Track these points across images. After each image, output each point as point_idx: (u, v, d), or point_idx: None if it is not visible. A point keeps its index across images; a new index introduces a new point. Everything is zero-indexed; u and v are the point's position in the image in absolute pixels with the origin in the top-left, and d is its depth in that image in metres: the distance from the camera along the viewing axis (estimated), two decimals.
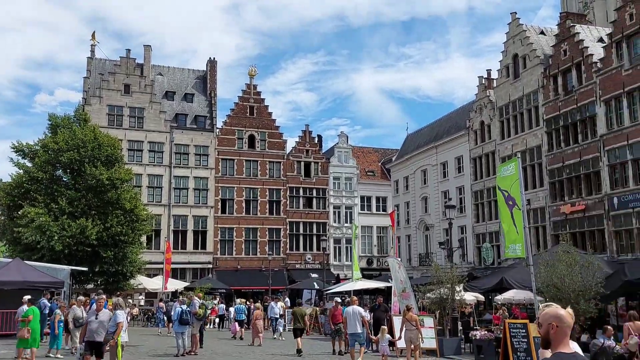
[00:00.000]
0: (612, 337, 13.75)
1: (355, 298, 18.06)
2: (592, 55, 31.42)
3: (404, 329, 16.25)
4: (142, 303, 41.31)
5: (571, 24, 33.66)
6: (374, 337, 18.80)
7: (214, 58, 53.94)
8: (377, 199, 55.84)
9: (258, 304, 27.23)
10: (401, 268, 23.30)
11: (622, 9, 29.43)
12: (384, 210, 54.18)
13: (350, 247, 46.41)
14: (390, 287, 23.97)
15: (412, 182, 50.86)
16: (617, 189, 29.26)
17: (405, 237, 51.69)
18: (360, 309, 16.96)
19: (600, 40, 33.10)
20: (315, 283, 39.23)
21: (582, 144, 31.76)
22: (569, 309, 3.84)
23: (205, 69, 54.80)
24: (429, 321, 18.74)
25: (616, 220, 29.21)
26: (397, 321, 19.60)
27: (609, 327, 14.48)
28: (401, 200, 52.69)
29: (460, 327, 22.97)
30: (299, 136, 54.28)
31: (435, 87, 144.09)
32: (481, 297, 25.15)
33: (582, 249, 29.13)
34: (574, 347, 3.97)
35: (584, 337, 16.17)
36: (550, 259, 15.77)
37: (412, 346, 15.68)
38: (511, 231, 17.42)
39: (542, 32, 38.12)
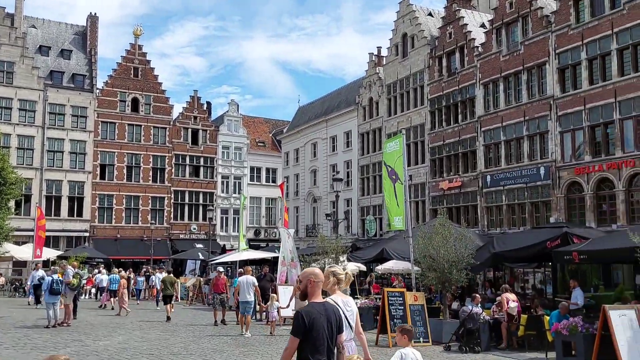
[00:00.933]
0: (479, 305, 14.74)
1: (249, 268, 18.43)
2: (474, 39, 33.05)
3: (294, 298, 17.08)
4: (10, 273, 38.51)
5: (457, 8, 35.13)
6: (263, 305, 18.96)
7: (95, 14, 50.61)
8: (267, 170, 55.74)
9: (123, 273, 26.67)
10: (290, 238, 23.50)
11: None
12: (274, 181, 54.24)
13: (238, 218, 46.09)
14: (277, 257, 24.10)
15: (302, 154, 51.25)
16: (490, 167, 31.29)
17: (293, 209, 52.15)
18: (253, 279, 17.38)
19: (483, 25, 34.88)
20: (199, 253, 38.58)
21: (461, 124, 33.52)
22: (333, 268, 5.43)
23: (85, 24, 51.21)
24: None
25: (488, 197, 31.29)
26: (282, 290, 19.84)
27: (477, 295, 15.51)
28: (291, 172, 52.99)
29: None
30: (186, 102, 52.50)
31: (327, 61, 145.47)
32: (363, 267, 25.98)
33: (457, 222, 30.91)
34: (336, 298, 5.31)
35: (455, 305, 17.23)
36: (428, 231, 16.52)
37: None
38: (393, 205, 18.09)
39: (430, 14, 39.48)
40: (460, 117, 33.80)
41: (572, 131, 26.81)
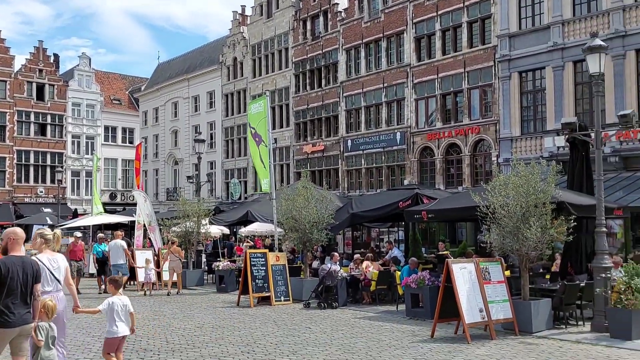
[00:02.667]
0: (337, 263, 15.32)
1: (119, 232, 19.21)
2: (337, 4, 33.50)
3: (169, 259, 18.15)
4: None
5: None
6: (137, 266, 18.58)
7: None
8: (124, 129, 52.90)
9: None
10: (147, 202, 22.63)
11: None
12: (131, 142, 51.61)
13: (91, 181, 43.42)
14: (134, 221, 23.14)
15: (162, 114, 49.21)
16: (351, 132, 32.32)
17: (153, 171, 50.24)
18: (123, 242, 17.80)
19: None
20: (47, 218, 35.84)
21: (325, 88, 34.11)
22: (41, 230, 6.53)
23: None
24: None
25: (349, 161, 32.40)
26: (139, 254, 19.21)
27: (335, 254, 16.09)
28: (150, 132, 50.76)
29: (204, 260, 23.42)
30: (30, 53, 47.69)
31: (188, 17, 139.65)
32: (226, 230, 25.83)
33: (320, 185, 31.75)
34: (42, 256, 6.31)
35: (315, 264, 17.75)
36: (291, 193, 16.74)
37: (175, 275, 18.12)
38: (260, 167, 18.07)
39: None
40: (323, 81, 34.36)
41: (425, 99, 28.40)
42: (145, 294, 17.46)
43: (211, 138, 43.19)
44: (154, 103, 50.18)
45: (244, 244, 24.87)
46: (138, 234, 21.48)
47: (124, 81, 57.15)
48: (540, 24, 23.46)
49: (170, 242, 18.70)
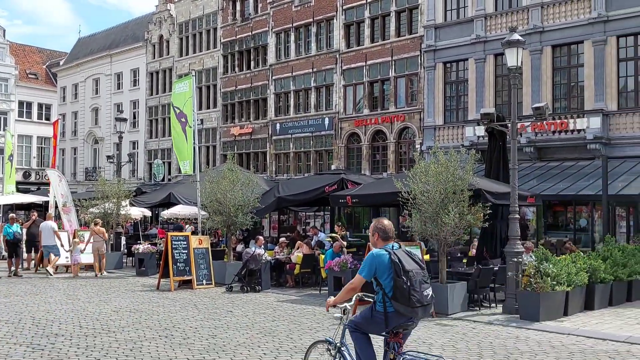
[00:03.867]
0: (262, 246, 15.28)
1: (50, 213, 19.41)
2: None
3: (92, 240, 17.66)
4: None
5: None
6: (65, 250, 17.95)
7: None
8: (40, 105, 50.29)
9: None
10: (62, 181, 21.67)
11: None
12: (48, 118, 49.12)
13: (3, 158, 41.03)
14: (48, 201, 22.12)
15: (82, 90, 47.05)
16: (280, 116, 32.17)
17: (71, 150, 48.08)
18: (54, 224, 18.13)
19: None
20: None
21: (254, 70, 33.70)
22: None
23: None
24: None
25: (277, 144, 32.27)
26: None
27: (260, 237, 16.04)
28: (68, 109, 48.47)
29: (124, 242, 22.74)
30: None
31: None
32: (148, 212, 25.16)
33: (247, 168, 31.48)
34: None
35: (239, 247, 17.63)
36: (216, 176, 16.49)
37: (99, 254, 17.78)
38: (183, 148, 17.64)
39: None
40: (252, 63, 33.93)
41: (354, 85, 28.65)
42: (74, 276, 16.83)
43: (134, 117, 41.81)
44: (74, 79, 47.88)
45: (189, 226, 23.74)
46: (52, 214, 20.53)
47: (41, 55, 54.17)
48: (465, 16, 24.15)
49: (93, 222, 18.26)
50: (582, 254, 12.23)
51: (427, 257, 13.94)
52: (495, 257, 13.53)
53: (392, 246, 4.86)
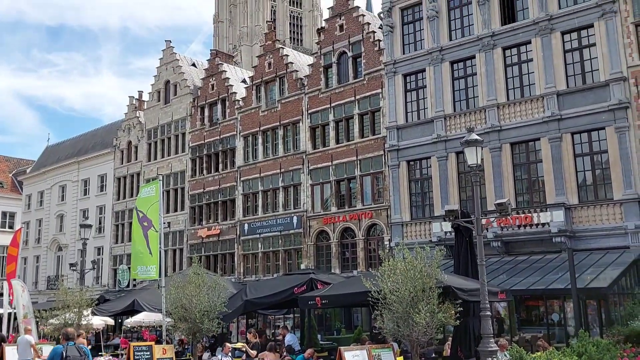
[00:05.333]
0: (229, 354, 14.64)
1: (29, 327, 17.72)
2: (235, 93, 34.17)
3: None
4: None
5: (220, 62, 36.10)
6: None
7: None
8: (4, 214, 49.33)
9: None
10: (25, 292, 20.83)
11: (263, 57, 33.00)
12: (11, 227, 48.00)
13: None
14: (9, 312, 21.10)
15: (47, 197, 46.46)
16: (248, 216, 32.10)
17: (33, 258, 46.64)
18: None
19: (244, 81, 36.31)
20: None
21: (222, 172, 33.98)
22: None
23: None
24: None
25: (245, 245, 31.93)
26: (9, 350, 17.31)
27: (227, 344, 15.42)
28: (33, 217, 47.57)
29: None
30: None
31: (82, 100, 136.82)
32: (111, 321, 24.14)
33: (215, 271, 30.86)
34: None
35: (206, 356, 16.86)
36: (181, 280, 16.08)
37: None
38: (144, 253, 17.22)
39: (193, 64, 39.90)
40: (221, 166, 34.26)
41: (321, 184, 29.01)
42: None
43: (100, 222, 41.19)
44: (40, 186, 47.43)
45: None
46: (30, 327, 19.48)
47: (7, 163, 53.94)
48: (425, 117, 25.08)
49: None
50: (556, 351, 12.01)
51: (400, 358, 13.50)
52: (470, 357, 13.18)
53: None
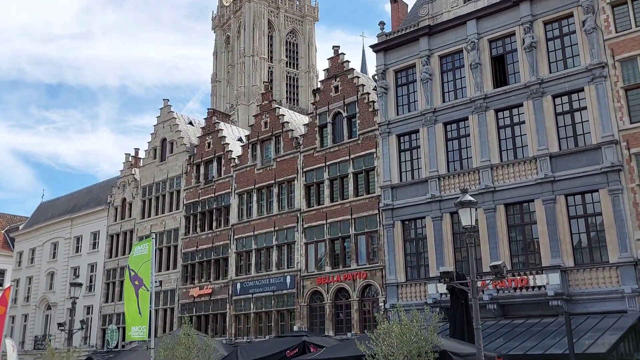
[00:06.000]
0: None
1: None
2: (231, 151, 34.42)
3: None
4: None
5: (217, 121, 36.55)
6: None
7: None
8: None
9: None
10: (15, 351, 20.33)
11: (259, 116, 33.44)
12: (1, 284, 47.18)
13: None
14: None
15: (39, 255, 45.90)
16: (241, 275, 31.67)
17: (21, 317, 45.61)
18: None
19: (240, 139, 36.66)
20: None
21: (215, 230, 33.76)
22: None
23: None
24: None
25: (237, 305, 31.35)
26: None
27: None
28: (23, 274, 46.85)
29: None
30: None
31: (78, 157, 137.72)
32: None
33: (206, 331, 30.19)
34: None
35: None
36: (171, 342, 15.68)
37: None
38: (135, 312, 16.85)
39: (190, 123, 40.37)
40: (214, 223, 34.09)
41: (315, 243, 28.78)
42: None
43: (90, 281, 40.56)
44: (32, 243, 46.95)
45: None
46: None
47: (0, 220, 53.62)
48: (419, 177, 25.18)
49: None
50: None
51: None
52: None
53: None
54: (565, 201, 21.22)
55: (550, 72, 22.45)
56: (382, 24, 27.56)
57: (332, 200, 28.57)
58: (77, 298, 23.80)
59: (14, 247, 49.39)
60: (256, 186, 32.17)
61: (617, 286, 19.43)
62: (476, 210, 12.80)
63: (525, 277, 20.54)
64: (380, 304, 24.99)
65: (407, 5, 29.84)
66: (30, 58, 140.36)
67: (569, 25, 22.48)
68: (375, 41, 27.73)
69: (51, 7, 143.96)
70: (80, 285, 24.70)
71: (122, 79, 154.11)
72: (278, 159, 31.46)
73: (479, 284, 13.16)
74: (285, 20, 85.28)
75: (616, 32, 21.26)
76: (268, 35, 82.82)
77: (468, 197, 12.46)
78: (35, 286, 45.05)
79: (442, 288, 20.90)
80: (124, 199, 40.39)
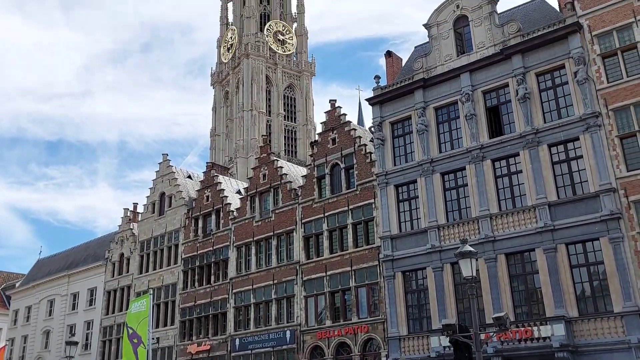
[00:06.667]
0: None
1: None
2: (230, 204, 34.37)
3: None
4: None
5: (215, 174, 36.66)
6: None
7: None
8: None
9: None
10: None
11: (257, 169, 33.56)
12: None
13: None
14: None
15: (35, 312, 45.14)
16: (240, 330, 31.05)
17: None
18: None
19: (239, 192, 36.69)
20: None
21: (214, 284, 33.32)
22: None
23: None
24: None
25: None
26: None
27: None
28: (19, 333, 45.96)
29: None
30: None
31: (76, 212, 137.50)
32: None
33: None
34: None
35: None
36: None
37: None
38: None
39: (189, 176, 40.49)
40: (213, 277, 33.69)
41: (315, 296, 28.37)
42: None
43: (87, 338, 39.74)
44: (28, 301, 46.26)
45: None
46: None
47: None
48: (419, 227, 25.05)
49: None
50: None
51: None
52: None
53: None
54: (566, 250, 21.05)
55: (545, 122, 22.68)
56: (377, 77, 28.03)
57: (331, 251, 28.35)
58: (73, 357, 23.19)
59: (9, 305, 48.63)
60: (255, 238, 31.97)
61: (622, 336, 19.05)
62: (477, 260, 12.66)
63: (530, 328, 20.15)
64: (383, 359, 24.39)
65: (401, 59, 30.42)
66: (31, 116, 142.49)
67: (561, 77, 22.87)
68: (371, 94, 28.13)
69: (52, 66, 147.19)
70: (76, 344, 24.11)
71: (122, 135, 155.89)
72: (277, 211, 31.38)
73: (482, 336, 12.88)
74: (283, 76, 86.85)
75: (608, 83, 21.61)
76: (266, 90, 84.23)
77: (468, 248, 12.35)
78: (31, 345, 44.11)
79: (445, 341, 20.49)
80: (122, 254, 40.04)
